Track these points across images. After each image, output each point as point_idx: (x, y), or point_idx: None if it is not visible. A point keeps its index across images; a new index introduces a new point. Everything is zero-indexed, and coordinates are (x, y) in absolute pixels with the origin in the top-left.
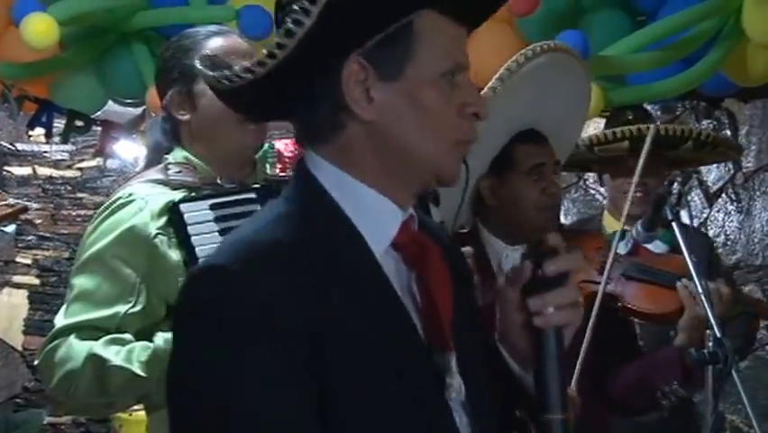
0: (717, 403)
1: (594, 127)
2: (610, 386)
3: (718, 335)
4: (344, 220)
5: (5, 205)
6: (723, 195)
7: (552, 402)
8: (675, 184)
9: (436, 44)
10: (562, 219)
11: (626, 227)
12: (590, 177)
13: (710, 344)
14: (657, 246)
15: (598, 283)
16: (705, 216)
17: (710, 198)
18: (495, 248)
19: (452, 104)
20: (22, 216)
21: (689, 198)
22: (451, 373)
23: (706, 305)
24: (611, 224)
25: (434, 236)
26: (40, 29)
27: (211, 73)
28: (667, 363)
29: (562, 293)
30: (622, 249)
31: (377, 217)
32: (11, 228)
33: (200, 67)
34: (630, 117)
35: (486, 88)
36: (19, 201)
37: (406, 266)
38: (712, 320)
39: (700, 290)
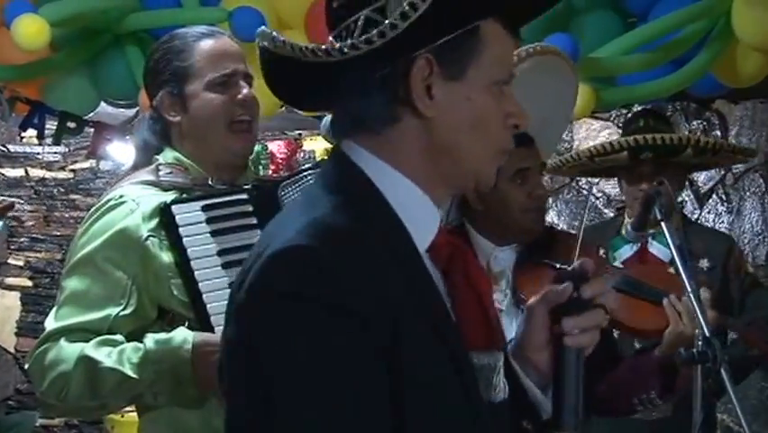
0: (707, 402)
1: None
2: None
3: (707, 334)
4: (395, 217)
5: None
6: (713, 196)
7: (567, 420)
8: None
9: (496, 52)
10: (555, 220)
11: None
12: (582, 178)
13: (699, 342)
14: (661, 251)
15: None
16: (696, 216)
17: (701, 199)
18: (483, 248)
19: (501, 112)
20: (9, 214)
21: (680, 197)
22: (497, 374)
23: (695, 303)
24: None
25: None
26: (31, 30)
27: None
28: (646, 373)
29: (592, 316)
30: (628, 251)
31: (420, 215)
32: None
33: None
34: (641, 124)
35: None
36: (5, 199)
37: (436, 267)
38: (701, 319)
39: (689, 288)
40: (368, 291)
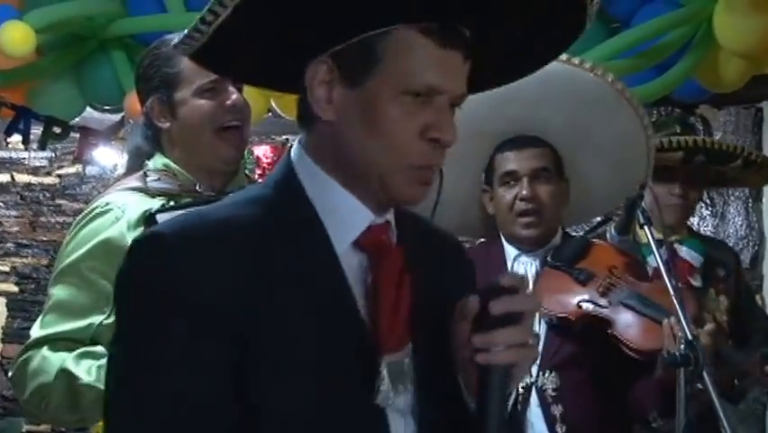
0: (689, 406)
1: None
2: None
3: (689, 337)
4: (310, 210)
5: None
6: (698, 200)
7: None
8: (646, 189)
9: (406, 62)
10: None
11: (659, 237)
12: None
13: (682, 346)
14: (692, 256)
15: (598, 306)
16: None
17: None
18: (507, 252)
19: (415, 124)
20: None
21: None
22: (381, 378)
23: (677, 306)
24: (644, 232)
25: (420, 242)
26: (16, 37)
27: None
28: (649, 392)
29: (509, 333)
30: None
31: (342, 214)
32: None
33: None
34: (678, 130)
35: None
36: None
37: (368, 267)
38: (683, 322)
39: (672, 292)
40: (208, 280)
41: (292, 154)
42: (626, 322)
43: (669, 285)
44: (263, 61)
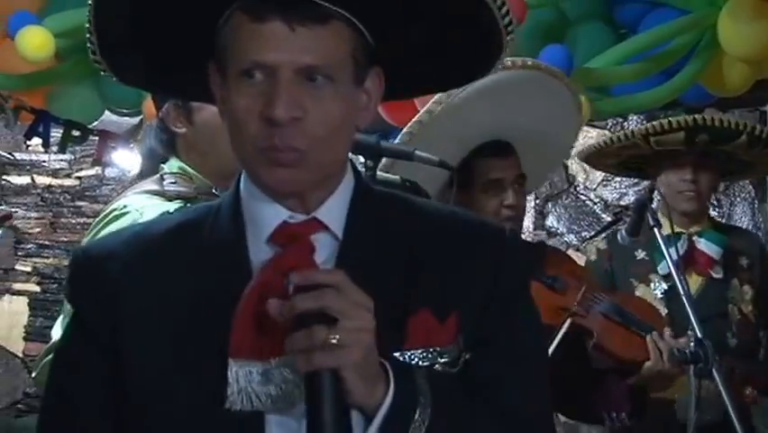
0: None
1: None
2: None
3: (699, 336)
4: (234, 216)
5: None
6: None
7: None
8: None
9: (233, 44)
10: (555, 224)
11: (679, 229)
12: (581, 183)
13: (692, 344)
14: (710, 248)
15: (579, 315)
16: None
17: None
18: None
19: (255, 106)
20: (10, 223)
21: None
22: (230, 383)
23: (687, 306)
24: (664, 225)
25: (381, 251)
26: (35, 42)
27: None
28: (619, 395)
29: (304, 335)
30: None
31: (260, 217)
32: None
33: None
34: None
35: (430, 103)
36: (4, 208)
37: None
38: (693, 321)
39: (682, 291)
40: (86, 295)
41: None
42: (609, 332)
43: (680, 287)
44: (172, 73)
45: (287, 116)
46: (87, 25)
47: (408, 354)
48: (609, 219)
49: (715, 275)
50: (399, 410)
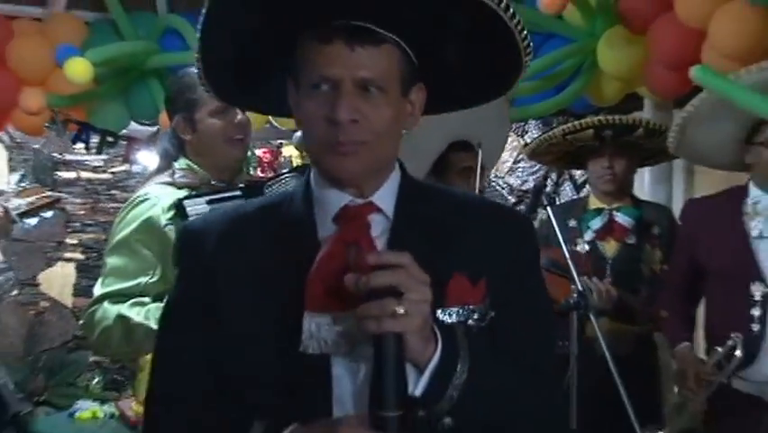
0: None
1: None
2: None
3: (580, 289)
4: (306, 196)
5: (44, 197)
6: (586, 186)
7: (386, 401)
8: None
9: (304, 62)
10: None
11: (602, 205)
12: (492, 173)
13: (575, 295)
14: (625, 220)
15: None
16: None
17: (578, 188)
18: None
19: (322, 110)
20: (59, 205)
21: (561, 188)
22: (307, 329)
23: (571, 266)
24: (593, 202)
25: (429, 234)
26: (78, 69)
27: None
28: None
29: (378, 305)
30: (599, 222)
31: (326, 202)
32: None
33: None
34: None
35: None
36: (53, 193)
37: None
38: (575, 278)
39: (567, 255)
40: (191, 254)
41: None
42: (550, 282)
43: (565, 251)
44: (259, 91)
45: (347, 118)
46: (197, 56)
47: (448, 310)
48: (513, 200)
49: (629, 241)
50: (445, 363)
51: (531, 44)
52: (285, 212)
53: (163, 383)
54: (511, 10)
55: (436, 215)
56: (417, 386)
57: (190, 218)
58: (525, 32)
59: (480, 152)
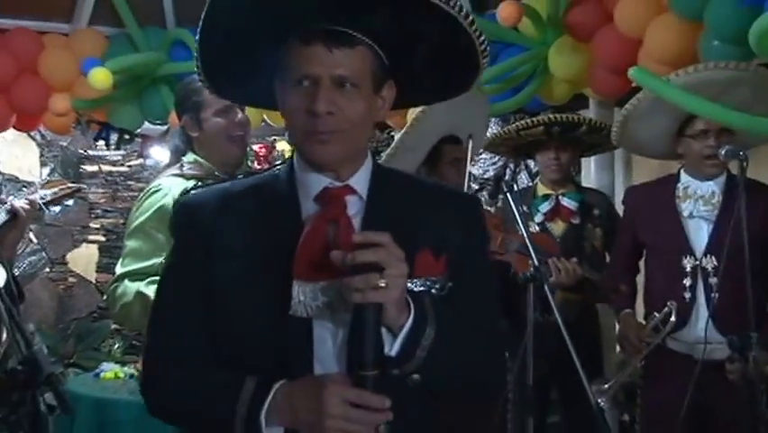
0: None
1: None
2: None
3: (536, 264)
4: (289, 178)
5: (66, 186)
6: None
7: (366, 362)
8: (508, 169)
9: (289, 61)
10: None
11: (549, 191)
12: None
13: (531, 269)
14: (570, 203)
15: (499, 254)
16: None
17: (533, 176)
18: None
19: (303, 103)
20: (80, 195)
21: (518, 176)
22: (296, 295)
23: (528, 244)
24: (541, 189)
25: (395, 213)
26: (100, 77)
27: None
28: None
29: (361, 279)
30: (547, 206)
31: (307, 183)
32: (71, 202)
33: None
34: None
35: (418, 111)
36: (74, 184)
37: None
38: (532, 253)
39: (525, 235)
40: (187, 224)
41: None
42: (520, 262)
43: (524, 232)
44: (250, 87)
45: (325, 110)
46: (195, 55)
47: (415, 281)
48: (476, 188)
49: (574, 221)
50: (416, 328)
51: (488, 48)
52: (270, 191)
53: (161, 342)
54: (471, 17)
55: (403, 197)
56: (392, 348)
57: None
58: (483, 37)
59: (470, 145)
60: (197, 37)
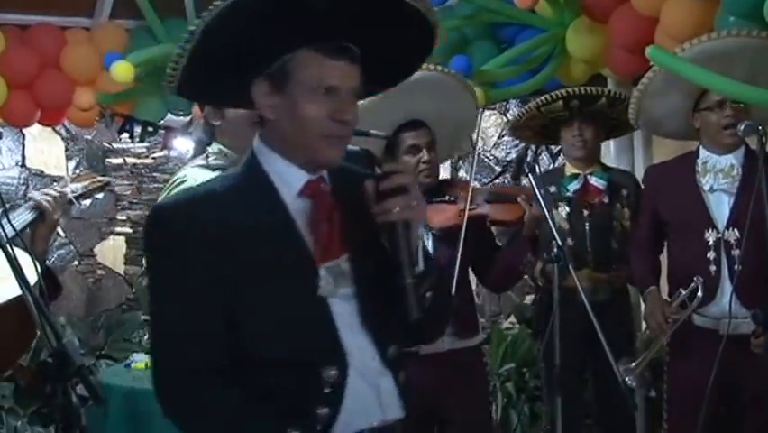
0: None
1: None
2: (490, 274)
3: (560, 244)
4: (264, 177)
5: (96, 180)
6: (560, 156)
7: (404, 271)
8: (529, 150)
9: (311, 72)
10: (464, 174)
11: (577, 171)
12: (480, 147)
13: (556, 249)
14: (598, 182)
15: (472, 208)
16: (552, 167)
17: (554, 157)
18: None
19: (324, 110)
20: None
21: (540, 157)
22: (320, 278)
23: (550, 223)
24: (569, 169)
25: (345, 184)
26: (122, 71)
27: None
28: (520, 247)
29: (397, 200)
30: (576, 185)
31: (287, 177)
32: (100, 195)
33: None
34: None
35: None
36: (104, 178)
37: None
38: (555, 234)
39: (547, 214)
40: (192, 234)
41: (254, 143)
42: (495, 209)
43: (546, 211)
44: (222, 87)
45: (352, 119)
46: (179, 51)
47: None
48: (499, 170)
49: (604, 200)
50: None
51: (438, 34)
52: (250, 188)
53: (175, 356)
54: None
55: (350, 179)
56: (418, 264)
57: None
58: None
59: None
60: (196, 37)
